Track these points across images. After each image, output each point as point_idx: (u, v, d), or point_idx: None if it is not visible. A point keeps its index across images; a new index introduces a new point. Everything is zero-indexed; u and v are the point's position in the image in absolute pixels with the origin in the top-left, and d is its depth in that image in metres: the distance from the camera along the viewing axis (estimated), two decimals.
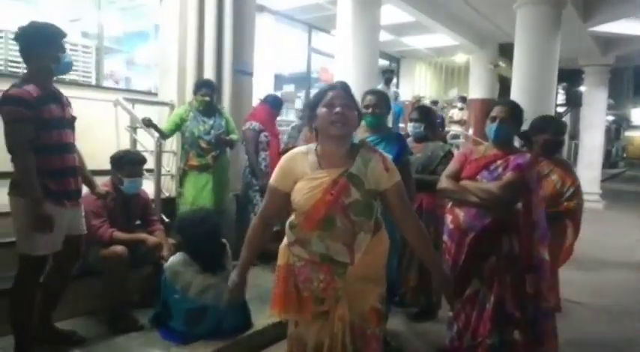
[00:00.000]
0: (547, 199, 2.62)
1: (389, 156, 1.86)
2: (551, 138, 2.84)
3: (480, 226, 2.35)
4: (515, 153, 2.41)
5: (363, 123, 2.55)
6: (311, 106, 1.78)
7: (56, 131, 2.40)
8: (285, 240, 1.88)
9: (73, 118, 2.57)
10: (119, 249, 2.91)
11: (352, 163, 1.72)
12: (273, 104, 4.45)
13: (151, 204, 3.42)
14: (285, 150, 3.99)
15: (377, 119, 2.72)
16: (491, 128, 2.42)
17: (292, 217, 1.82)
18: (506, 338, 2.36)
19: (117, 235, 2.98)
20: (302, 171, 1.74)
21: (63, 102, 2.49)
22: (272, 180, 1.81)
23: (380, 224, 1.85)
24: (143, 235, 3.13)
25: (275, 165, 4.45)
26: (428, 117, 3.50)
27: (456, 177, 2.50)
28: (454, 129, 9.72)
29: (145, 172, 3.37)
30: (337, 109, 1.67)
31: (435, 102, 9.69)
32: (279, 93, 7.01)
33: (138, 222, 3.30)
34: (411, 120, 3.45)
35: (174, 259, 2.90)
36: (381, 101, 2.75)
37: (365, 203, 1.70)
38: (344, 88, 1.77)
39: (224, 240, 3.05)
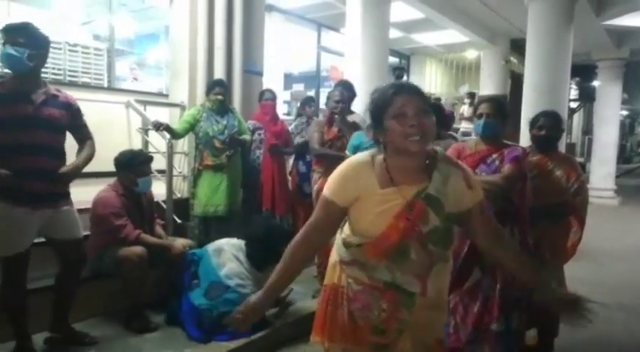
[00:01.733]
0: (552, 195, 2.67)
1: (468, 169, 1.54)
2: (538, 132, 2.83)
3: None
4: (507, 147, 2.50)
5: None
6: (374, 116, 1.44)
7: (13, 132, 2.31)
8: (334, 256, 1.59)
9: (54, 119, 2.45)
10: (139, 250, 2.92)
11: (428, 180, 1.41)
12: (260, 98, 4.44)
13: (153, 200, 3.46)
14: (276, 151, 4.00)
15: None
16: (478, 125, 2.51)
17: (347, 232, 1.53)
18: (512, 324, 2.40)
19: (144, 237, 3.02)
20: (369, 186, 1.42)
21: (35, 102, 2.39)
22: (327, 190, 1.48)
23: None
24: (168, 242, 3.16)
25: (266, 163, 4.37)
26: (439, 113, 3.47)
27: None
28: (464, 126, 9.64)
29: (155, 172, 3.39)
30: (413, 122, 1.35)
31: (438, 100, 9.59)
32: (288, 93, 7.00)
33: None
34: None
35: (225, 239, 3.11)
36: None
37: (444, 229, 1.42)
38: (415, 89, 1.43)
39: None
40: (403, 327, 1.49)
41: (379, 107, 1.42)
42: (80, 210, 2.95)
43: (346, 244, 1.51)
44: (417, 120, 1.35)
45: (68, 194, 2.63)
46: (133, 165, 3.09)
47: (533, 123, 2.89)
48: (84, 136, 2.69)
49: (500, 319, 2.38)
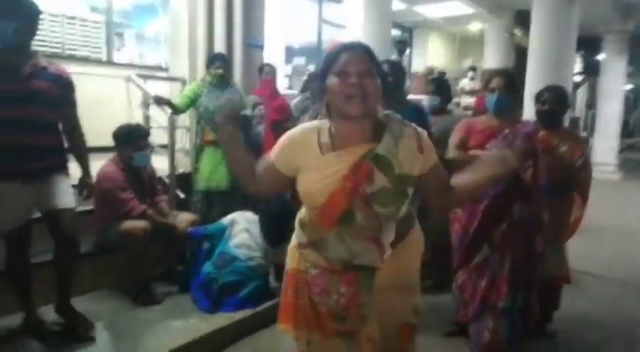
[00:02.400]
0: (556, 171, 2.60)
1: (423, 131, 1.45)
2: (542, 107, 2.79)
3: (493, 194, 2.36)
4: (519, 122, 2.47)
5: None
6: (320, 74, 1.37)
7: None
8: (293, 240, 1.54)
9: (42, 92, 2.30)
10: (142, 224, 2.94)
11: (378, 141, 1.35)
12: (259, 72, 4.39)
13: (156, 174, 3.46)
14: (278, 126, 3.96)
15: (388, 89, 2.60)
16: (490, 99, 2.45)
17: (302, 212, 1.51)
18: (518, 302, 2.42)
19: (150, 213, 3.04)
20: (310, 155, 1.36)
21: (21, 76, 2.24)
22: (272, 153, 1.42)
23: (412, 220, 1.56)
24: (172, 222, 3.16)
25: (267, 139, 4.35)
26: (444, 89, 3.45)
27: (463, 146, 2.52)
28: (465, 100, 9.56)
29: (156, 146, 3.38)
30: (352, 79, 1.27)
31: (442, 74, 9.48)
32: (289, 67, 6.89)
33: None
34: (427, 92, 3.40)
35: (240, 212, 3.22)
36: (394, 69, 2.64)
37: (395, 191, 1.34)
38: (362, 48, 1.35)
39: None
40: (365, 312, 1.43)
41: (325, 65, 1.35)
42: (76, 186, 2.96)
43: (301, 223, 1.48)
44: (358, 80, 1.27)
45: (63, 165, 2.51)
46: (130, 139, 3.09)
47: (538, 98, 2.85)
48: (71, 120, 2.52)
49: (508, 296, 2.39)
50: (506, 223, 2.39)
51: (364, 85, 1.28)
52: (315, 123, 1.43)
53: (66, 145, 2.56)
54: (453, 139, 2.59)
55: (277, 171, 1.40)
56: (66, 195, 2.47)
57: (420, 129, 1.43)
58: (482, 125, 2.51)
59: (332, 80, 1.31)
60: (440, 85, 3.46)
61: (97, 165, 3.08)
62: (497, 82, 2.44)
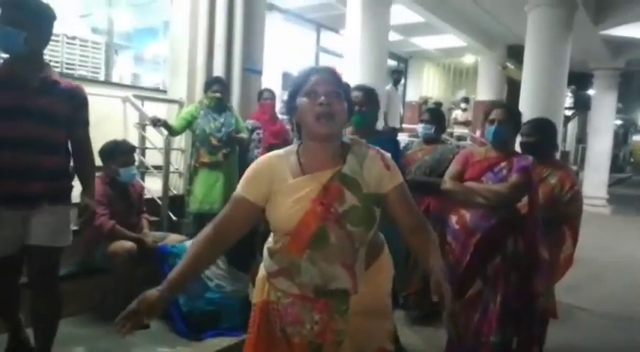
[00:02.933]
0: (544, 203, 2.60)
1: (385, 153, 1.48)
2: (524, 139, 2.82)
3: (486, 226, 2.36)
4: (517, 156, 2.46)
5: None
6: (290, 95, 1.41)
7: None
8: (262, 271, 1.51)
9: (48, 109, 2.09)
10: (127, 244, 2.92)
11: (343, 162, 1.38)
12: (259, 97, 4.44)
13: (144, 193, 3.44)
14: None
15: (362, 117, 2.52)
16: (490, 130, 2.45)
17: (270, 241, 1.48)
18: (507, 337, 2.39)
19: (119, 229, 3.00)
20: (280, 179, 1.37)
21: (27, 88, 2.04)
22: (239, 188, 1.41)
23: (381, 245, 1.55)
24: (138, 236, 3.11)
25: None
26: (439, 119, 3.50)
27: (459, 178, 2.51)
28: (459, 130, 9.69)
29: (150, 167, 3.37)
30: (321, 99, 1.32)
31: (439, 104, 9.65)
32: (286, 93, 6.97)
33: None
34: (421, 122, 3.43)
35: None
36: (369, 97, 2.59)
37: (364, 209, 1.35)
38: (330, 71, 1.40)
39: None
40: (341, 338, 1.41)
41: (295, 86, 1.40)
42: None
43: (271, 252, 1.45)
44: (326, 100, 1.32)
45: (65, 193, 2.24)
46: (114, 155, 3.08)
47: (522, 131, 2.85)
48: (80, 142, 2.27)
49: (498, 331, 2.35)
50: (500, 257, 2.37)
51: (332, 105, 1.33)
52: (280, 151, 1.46)
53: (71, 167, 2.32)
54: (451, 170, 2.58)
55: (248, 202, 1.38)
56: (61, 231, 2.20)
57: (383, 151, 1.46)
58: (480, 156, 2.51)
59: (302, 100, 1.36)
60: (435, 114, 3.50)
61: None
62: (496, 113, 2.44)
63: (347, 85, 1.51)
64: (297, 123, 1.40)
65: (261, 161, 1.44)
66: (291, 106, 1.41)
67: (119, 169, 3.07)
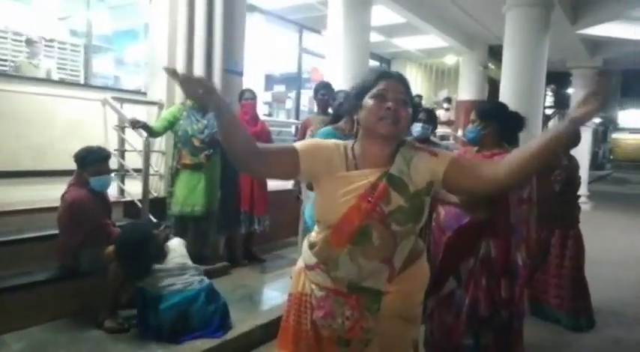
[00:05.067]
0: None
1: (434, 149, 1.52)
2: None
3: (455, 226, 2.36)
4: (499, 154, 2.41)
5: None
6: (356, 94, 1.45)
7: None
8: (300, 263, 1.57)
9: None
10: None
11: (391, 163, 1.41)
12: (240, 98, 4.39)
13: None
14: None
15: None
16: (468, 131, 2.48)
17: (313, 234, 1.51)
18: (481, 340, 2.37)
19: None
20: (335, 166, 1.42)
21: None
22: (297, 144, 1.45)
23: (421, 251, 1.54)
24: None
25: None
26: (435, 119, 3.54)
27: None
28: (441, 130, 9.78)
29: (132, 170, 3.34)
30: (389, 104, 1.37)
31: (419, 97, 9.61)
32: (269, 94, 6.95)
33: None
34: (419, 121, 3.38)
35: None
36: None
37: (412, 207, 1.38)
38: (402, 79, 1.45)
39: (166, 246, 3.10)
40: (370, 337, 1.43)
41: (363, 87, 1.44)
42: (51, 209, 2.90)
43: (311, 244, 1.49)
44: (394, 106, 1.37)
45: None
46: (84, 164, 2.96)
47: None
48: None
49: (469, 334, 2.36)
50: (472, 259, 2.37)
51: (398, 111, 1.38)
52: (341, 142, 1.50)
53: None
54: None
55: (296, 160, 1.40)
56: None
57: (428, 148, 1.50)
58: (471, 155, 2.50)
59: (369, 102, 1.40)
60: (432, 115, 3.50)
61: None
62: (474, 114, 2.46)
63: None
64: (357, 120, 1.45)
65: (328, 142, 1.48)
66: (355, 104, 1.45)
67: (89, 178, 2.96)
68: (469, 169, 1.41)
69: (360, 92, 1.44)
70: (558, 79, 13.66)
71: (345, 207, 1.36)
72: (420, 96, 9.28)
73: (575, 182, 3.59)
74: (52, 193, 2.68)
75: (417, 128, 3.38)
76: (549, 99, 16.40)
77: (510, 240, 2.34)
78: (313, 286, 1.47)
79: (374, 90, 1.40)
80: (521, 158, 1.28)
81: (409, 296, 1.48)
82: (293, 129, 8.80)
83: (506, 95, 6.22)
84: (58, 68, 5.89)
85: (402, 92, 1.41)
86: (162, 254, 3.04)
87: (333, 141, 1.50)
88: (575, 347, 3.26)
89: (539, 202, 3.55)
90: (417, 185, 1.39)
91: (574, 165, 3.62)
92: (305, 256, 1.52)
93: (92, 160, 2.96)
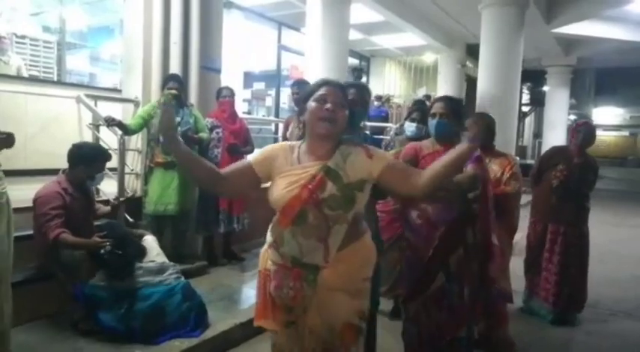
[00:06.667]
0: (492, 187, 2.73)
1: (370, 146, 1.76)
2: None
3: (450, 218, 2.37)
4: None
5: None
6: (303, 99, 1.73)
7: None
8: (266, 242, 1.81)
9: None
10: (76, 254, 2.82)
11: (331, 158, 1.67)
12: (217, 96, 4.34)
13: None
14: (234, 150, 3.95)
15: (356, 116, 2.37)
16: (432, 124, 2.46)
17: (274, 218, 1.76)
18: (471, 329, 2.44)
19: (64, 237, 2.77)
20: (281, 165, 1.69)
21: None
22: (250, 157, 1.76)
23: (362, 232, 1.75)
24: (91, 242, 2.85)
25: (224, 163, 4.22)
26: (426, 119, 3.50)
27: None
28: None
29: (106, 170, 3.28)
30: (328, 106, 1.62)
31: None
32: (248, 91, 6.90)
33: None
34: (412, 120, 3.35)
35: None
36: (363, 94, 2.46)
37: (343, 196, 1.62)
38: (339, 85, 1.73)
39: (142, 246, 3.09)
40: (307, 304, 1.67)
41: (308, 92, 1.72)
42: (24, 209, 2.83)
43: (272, 225, 1.75)
44: (332, 107, 1.62)
45: None
46: (96, 161, 3.00)
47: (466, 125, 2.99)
48: None
49: (466, 325, 2.40)
50: (461, 249, 2.39)
51: (335, 112, 1.63)
52: (292, 142, 1.81)
53: None
54: (402, 158, 2.51)
55: (253, 173, 1.70)
56: None
57: (367, 146, 1.75)
58: (428, 150, 2.50)
59: (311, 104, 1.66)
60: (424, 115, 3.43)
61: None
62: (437, 106, 2.45)
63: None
64: (303, 121, 1.72)
65: (275, 146, 1.78)
66: (301, 107, 1.73)
67: (96, 175, 3.03)
68: (400, 176, 1.69)
69: (306, 97, 1.70)
70: (534, 77, 13.89)
71: (290, 195, 1.63)
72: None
73: (583, 181, 3.52)
74: (24, 193, 2.61)
75: (411, 128, 3.33)
76: (525, 97, 16.68)
77: (490, 224, 2.44)
78: (270, 262, 1.74)
79: (316, 95, 1.66)
80: (434, 171, 1.66)
81: (347, 272, 1.69)
82: (273, 127, 8.78)
83: (483, 92, 6.31)
84: (30, 65, 5.75)
85: (339, 97, 1.66)
86: (141, 253, 3.00)
87: (280, 143, 1.82)
88: (548, 340, 3.32)
89: (537, 196, 3.66)
90: (350, 178, 1.64)
91: (589, 163, 3.55)
92: (268, 235, 1.78)
93: (103, 160, 3.06)
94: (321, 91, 1.66)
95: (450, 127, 2.42)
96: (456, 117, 2.44)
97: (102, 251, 2.82)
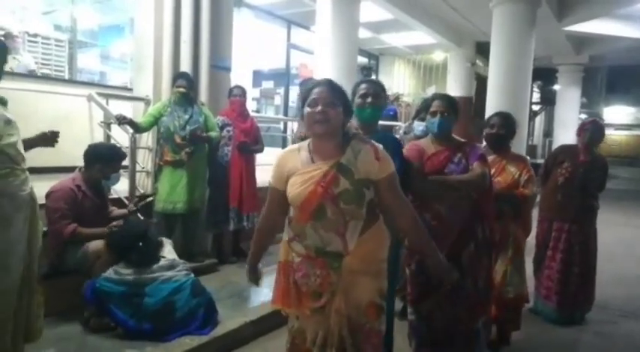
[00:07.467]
0: (507, 189, 2.83)
1: (380, 146, 1.81)
2: (490, 131, 2.94)
3: (466, 216, 2.40)
4: (468, 145, 2.50)
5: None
6: (300, 104, 1.83)
7: None
8: (285, 236, 1.91)
9: None
10: (94, 245, 2.86)
11: (342, 154, 1.75)
12: (229, 94, 4.36)
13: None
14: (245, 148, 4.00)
15: (375, 111, 2.36)
16: (433, 122, 2.45)
17: (290, 214, 1.86)
18: (487, 324, 2.52)
19: (80, 231, 2.88)
20: (294, 167, 1.78)
21: None
22: (270, 179, 1.86)
23: (375, 219, 1.84)
24: (102, 230, 2.98)
25: (234, 161, 4.07)
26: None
27: (422, 173, 2.46)
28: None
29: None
30: (318, 109, 1.70)
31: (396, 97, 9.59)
32: (257, 90, 6.92)
33: None
34: (421, 119, 3.30)
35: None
36: (379, 90, 2.41)
37: (355, 191, 1.72)
38: (328, 84, 1.77)
39: (160, 239, 3.15)
40: (334, 289, 1.77)
41: (302, 98, 1.80)
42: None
43: (289, 221, 1.86)
44: (323, 108, 1.69)
45: None
46: (112, 161, 3.06)
47: (487, 123, 2.99)
48: None
49: (482, 316, 2.46)
50: (473, 244, 2.41)
51: (326, 112, 1.70)
52: (295, 145, 1.90)
53: None
54: (414, 167, 2.47)
55: (278, 192, 1.82)
56: None
57: (377, 145, 1.81)
58: (431, 150, 2.48)
59: (306, 110, 1.74)
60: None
61: None
62: (437, 104, 2.45)
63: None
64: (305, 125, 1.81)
65: (279, 155, 1.87)
66: (301, 113, 1.81)
67: (112, 175, 3.09)
68: (391, 196, 1.79)
69: (302, 103, 1.78)
70: (545, 75, 13.76)
71: (305, 193, 1.72)
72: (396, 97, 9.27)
73: (588, 180, 3.47)
74: (35, 191, 2.63)
75: (420, 127, 3.33)
76: (536, 96, 16.52)
77: (493, 221, 2.54)
78: (293, 254, 1.84)
79: (309, 100, 1.74)
80: (412, 239, 2.00)
81: (367, 255, 1.80)
82: (282, 126, 8.79)
83: (494, 91, 6.27)
84: (42, 63, 5.80)
85: (329, 96, 1.72)
86: (158, 251, 3.04)
87: (285, 150, 1.91)
88: (558, 340, 3.30)
89: (544, 194, 3.65)
90: (360, 174, 1.73)
91: (596, 162, 3.52)
92: (287, 230, 1.89)
93: (120, 160, 3.12)
94: (313, 95, 1.73)
95: (450, 125, 2.46)
96: (454, 113, 2.47)
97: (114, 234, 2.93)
